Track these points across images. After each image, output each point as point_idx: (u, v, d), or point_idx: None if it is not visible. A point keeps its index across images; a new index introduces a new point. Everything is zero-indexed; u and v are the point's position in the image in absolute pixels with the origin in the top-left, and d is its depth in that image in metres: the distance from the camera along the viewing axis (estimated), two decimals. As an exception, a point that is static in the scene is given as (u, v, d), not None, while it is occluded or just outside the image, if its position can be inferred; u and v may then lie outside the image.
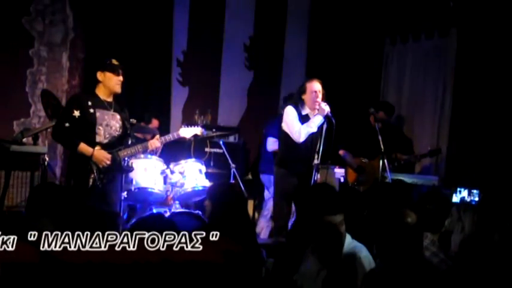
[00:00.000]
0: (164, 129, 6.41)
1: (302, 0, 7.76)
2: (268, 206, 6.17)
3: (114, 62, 4.54)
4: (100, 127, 4.48)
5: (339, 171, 6.37)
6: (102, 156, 4.43)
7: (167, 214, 5.17)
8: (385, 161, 5.57)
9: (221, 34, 7.40)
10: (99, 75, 4.51)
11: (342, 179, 6.32)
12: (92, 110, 4.46)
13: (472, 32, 6.48)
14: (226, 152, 5.88)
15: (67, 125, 4.41)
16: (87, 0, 6.49)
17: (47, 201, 3.00)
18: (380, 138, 5.65)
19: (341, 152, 6.04)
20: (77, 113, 4.42)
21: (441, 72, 6.86)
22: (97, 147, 4.44)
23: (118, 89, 4.54)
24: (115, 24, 6.61)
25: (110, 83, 4.51)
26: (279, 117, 6.25)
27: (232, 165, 5.82)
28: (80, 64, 6.50)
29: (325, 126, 5.14)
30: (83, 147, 4.40)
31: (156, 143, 4.78)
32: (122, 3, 6.63)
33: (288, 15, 7.70)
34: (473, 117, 6.40)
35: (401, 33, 7.34)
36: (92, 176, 4.40)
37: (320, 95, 5.18)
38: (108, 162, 4.44)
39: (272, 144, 6.15)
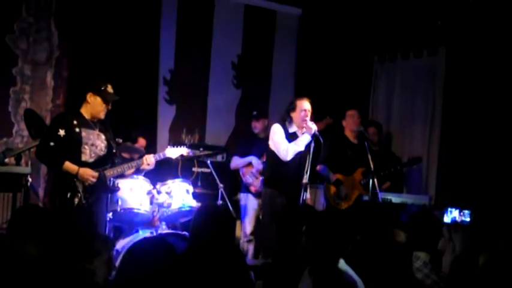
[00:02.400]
0: (151, 149, 6.39)
1: (290, 18, 7.83)
2: (244, 226, 6.15)
3: (109, 90, 4.54)
4: (86, 146, 4.49)
5: None
6: (88, 174, 4.42)
7: (153, 235, 5.14)
8: (375, 180, 5.58)
9: (209, 52, 7.41)
10: (90, 97, 4.52)
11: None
12: (77, 130, 4.47)
13: (460, 51, 6.57)
14: (213, 172, 5.88)
15: (52, 144, 4.40)
16: (72, 18, 6.47)
17: (31, 224, 2.97)
18: (370, 157, 5.68)
19: (318, 167, 6.05)
20: (62, 132, 4.42)
21: (430, 90, 6.93)
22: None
23: (102, 116, 4.60)
24: (101, 42, 6.59)
25: (97, 109, 4.54)
26: (250, 137, 6.30)
27: (220, 185, 5.83)
28: (65, 82, 6.47)
29: (312, 145, 5.16)
30: (68, 165, 4.40)
31: (151, 158, 4.79)
32: (108, 21, 6.61)
33: (276, 33, 7.75)
34: (463, 135, 6.45)
35: (390, 51, 7.43)
36: (77, 195, 4.38)
37: (309, 114, 5.22)
38: (94, 180, 4.43)
39: (234, 162, 6.24)
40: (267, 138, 6.01)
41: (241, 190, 6.21)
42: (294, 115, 5.25)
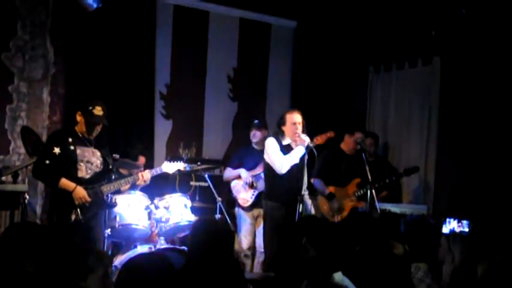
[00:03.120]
0: (148, 164, 6.38)
1: (285, 30, 7.87)
2: (240, 241, 6.14)
3: (96, 112, 4.54)
4: (81, 163, 4.53)
5: None
6: (81, 195, 4.45)
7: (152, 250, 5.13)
8: (373, 191, 5.59)
9: (204, 66, 7.42)
10: (78, 116, 4.57)
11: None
12: (72, 147, 4.50)
13: (455, 60, 6.60)
14: (211, 185, 5.90)
15: (47, 162, 4.44)
16: (68, 35, 6.49)
17: (24, 241, 2.96)
18: (367, 168, 5.69)
19: (312, 181, 6.06)
20: (57, 150, 4.46)
21: (426, 100, 6.95)
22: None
23: (92, 134, 4.63)
24: (96, 58, 6.60)
25: (83, 128, 4.62)
26: (244, 148, 6.28)
27: (218, 199, 5.85)
28: (61, 99, 6.47)
29: (306, 157, 5.18)
30: (64, 182, 4.44)
31: (147, 174, 4.80)
32: (104, 36, 6.63)
33: (271, 45, 7.78)
34: (461, 144, 6.47)
35: (385, 62, 7.47)
36: (75, 211, 4.39)
37: (300, 127, 5.24)
38: (86, 201, 4.44)
39: (226, 174, 6.23)
40: (262, 150, 6.03)
41: (235, 204, 6.16)
42: (285, 129, 5.29)
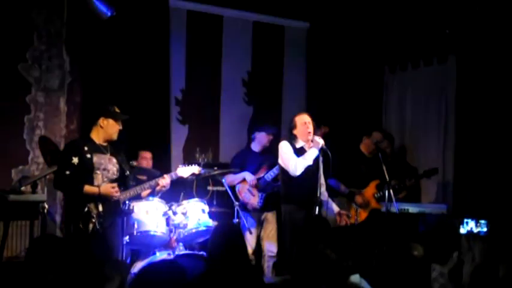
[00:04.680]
0: (165, 170, 6.40)
1: (299, 32, 7.84)
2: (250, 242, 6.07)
3: (117, 110, 4.62)
4: (98, 171, 4.56)
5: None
6: (109, 189, 4.49)
7: (171, 257, 5.15)
8: (391, 191, 5.56)
9: (219, 70, 7.44)
10: (102, 121, 4.61)
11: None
12: (88, 156, 4.53)
13: (470, 57, 6.53)
14: (228, 190, 5.88)
15: (68, 173, 4.47)
16: (83, 44, 6.54)
17: (48, 256, 3.00)
18: (384, 167, 5.67)
19: (330, 182, 6.04)
20: (75, 160, 4.49)
21: (442, 98, 6.89)
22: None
23: (116, 136, 4.70)
24: (111, 66, 6.64)
25: (111, 131, 4.63)
26: (244, 151, 6.30)
27: (236, 203, 5.83)
28: (78, 108, 6.53)
29: (321, 159, 5.19)
30: (88, 188, 4.47)
31: (166, 179, 4.82)
32: (118, 44, 6.67)
33: (285, 47, 7.76)
34: (479, 143, 6.40)
35: (400, 61, 7.42)
36: (92, 221, 4.41)
37: (311, 126, 5.27)
38: (117, 193, 4.46)
39: (229, 178, 6.07)
40: (263, 152, 5.98)
41: (240, 208, 6.06)
42: (296, 132, 5.34)
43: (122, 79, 6.71)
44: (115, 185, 4.53)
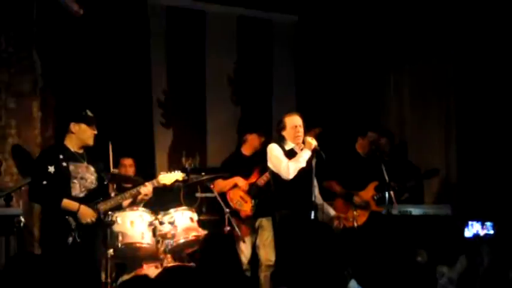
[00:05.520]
0: (150, 176, 6.38)
1: (287, 26, 7.85)
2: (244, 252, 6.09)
3: (90, 113, 4.62)
4: (75, 180, 4.56)
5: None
6: (88, 214, 4.50)
7: (159, 270, 5.15)
8: (391, 192, 5.59)
9: (203, 69, 7.45)
10: (73, 127, 4.59)
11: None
12: (64, 164, 4.53)
13: (470, 54, 6.57)
14: (218, 196, 5.89)
15: (44, 183, 4.45)
16: (55, 44, 6.49)
17: (25, 276, 2.99)
18: (383, 168, 5.70)
19: (325, 184, 6.10)
20: (51, 169, 4.49)
21: (443, 95, 6.92)
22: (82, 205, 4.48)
23: (91, 141, 4.67)
24: (87, 67, 6.62)
25: (84, 136, 4.61)
26: (234, 153, 6.34)
27: (226, 210, 5.84)
28: (52, 113, 6.48)
29: (314, 161, 5.21)
30: (67, 202, 4.48)
31: (148, 187, 4.82)
32: (94, 43, 6.65)
33: (273, 42, 7.78)
34: (482, 141, 6.44)
35: (396, 54, 7.43)
36: (71, 234, 4.41)
37: (301, 130, 5.30)
38: (93, 221, 4.46)
39: (218, 185, 6.08)
40: (254, 155, 6.03)
41: (231, 215, 5.97)
42: (285, 134, 5.35)
43: (99, 81, 6.69)
44: (95, 215, 4.52)
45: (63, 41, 6.52)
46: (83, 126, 4.62)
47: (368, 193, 6.11)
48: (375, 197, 6.04)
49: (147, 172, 6.49)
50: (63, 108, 6.43)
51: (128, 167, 6.41)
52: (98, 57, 6.71)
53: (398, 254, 2.91)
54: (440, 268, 3.23)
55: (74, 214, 4.47)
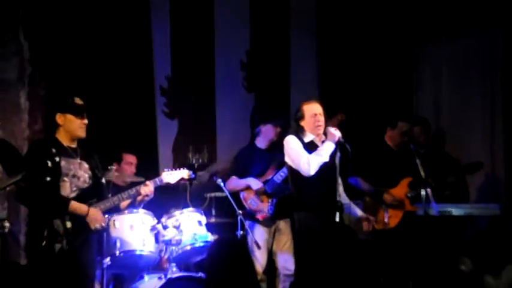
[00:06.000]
0: (152, 174, 6.33)
1: (307, 1, 7.77)
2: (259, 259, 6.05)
3: (77, 101, 4.60)
4: (66, 178, 4.52)
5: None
6: (98, 219, 4.48)
7: (162, 281, 5.12)
8: (428, 190, 5.50)
9: (212, 51, 7.44)
10: (59, 118, 4.58)
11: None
12: (57, 159, 4.47)
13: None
14: (229, 196, 5.86)
15: (48, 179, 4.40)
16: (45, 25, 6.51)
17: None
18: (418, 161, 5.61)
19: (351, 180, 6.06)
20: (50, 163, 4.44)
21: (488, 77, 6.83)
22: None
23: (82, 133, 4.61)
24: (81, 50, 6.64)
25: (72, 127, 4.58)
26: (248, 147, 6.36)
27: (239, 212, 5.82)
28: (42, 104, 6.49)
29: (338, 155, 5.15)
30: (75, 205, 4.43)
31: (149, 186, 4.78)
32: (88, 24, 6.67)
33: (291, 19, 7.72)
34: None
35: (432, 31, 7.33)
36: (59, 239, 4.36)
37: (322, 118, 5.29)
38: (103, 226, 4.46)
39: (231, 183, 6.09)
40: (270, 148, 6.11)
41: (245, 218, 5.94)
42: (304, 123, 5.33)
43: (94, 66, 6.71)
44: (105, 217, 4.53)
45: (53, 20, 6.58)
46: (69, 116, 4.57)
47: (401, 191, 6.04)
48: (409, 195, 5.95)
49: (148, 168, 6.50)
50: (54, 98, 6.41)
51: (133, 165, 6.41)
52: (92, 39, 6.75)
53: (437, 262, 2.81)
54: (488, 278, 3.14)
55: (63, 216, 4.40)
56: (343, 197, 5.32)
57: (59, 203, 4.43)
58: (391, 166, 6.16)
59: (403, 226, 5.94)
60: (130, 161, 6.45)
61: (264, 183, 6.09)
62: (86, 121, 4.60)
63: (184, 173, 5.17)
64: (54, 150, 4.51)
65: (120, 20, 6.84)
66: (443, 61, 7.32)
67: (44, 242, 4.34)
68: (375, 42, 7.57)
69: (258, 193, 6.10)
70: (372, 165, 6.15)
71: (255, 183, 6.09)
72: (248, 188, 6.12)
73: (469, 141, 6.99)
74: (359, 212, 5.48)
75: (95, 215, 4.47)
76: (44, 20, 6.50)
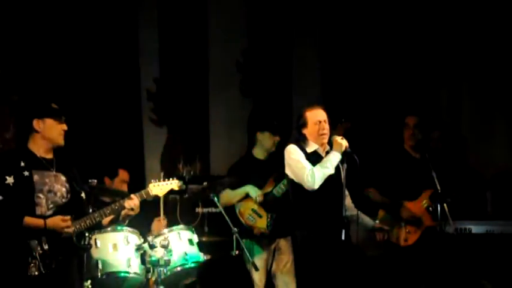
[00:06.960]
0: (138, 186, 6.36)
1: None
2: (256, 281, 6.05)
3: (55, 106, 4.58)
4: (40, 194, 4.50)
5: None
6: (59, 222, 4.40)
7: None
8: (444, 206, 5.53)
9: (205, 51, 7.48)
10: (36, 124, 4.56)
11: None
12: (26, 173, 4.47)
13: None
14: (223, 212, 5.84)
15: (0, 198, 4.39)
16: (19, 22, 6.51)
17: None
18: (434, 174, 5.64)
19: (368, 192, 6.10)
20: (10, 180, 4.43)
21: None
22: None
23: (61, 140, 4.60)
24: (59, 49, 6.66)
25: (52, 134, 4.57)
26: (244, 157, 6.38)
27: (234, 229, 5.81)
28: (15, 110, 6.50)
29: (345, 167, 5.16)
30: (30, 220, 4.38)
31: (134, 200, 4.77)
32: (66, 20, 6.68)
33: (293, 16, 7.72)
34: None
35: (450, 23, 7.37)
36: (34, 262, 4.36)
37: (326, 126, 5.29)
38: (69, 228, 4.41)
39: (225, 197, 6.12)
40: (269, 159, 6.15)
41: (241, 235, 5.91)
42: (306, 132, 5.35)
43: (73, 68, 6.71)
44: (67, 217, 4.46)
45: (27, 17, 6.54)
46: (49, 121, 4.57)
47: (421, 204, 6.03)
48: (430, 209, 5.95)
49: (134, 180, 6.47)
50: (27, 105, 6.42)
51: (125, 183, 6.36)
52: (71, 39, 6.75)
53: (456, 285, 2.82)
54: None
55: (39, 236, 4.40)
56: (350, 208, 5.34)
57: (11, 222, 4.38)
58: (411, 176, 6.16)
59: (421, 244, 5.92)
60: (125, 178, 6.39)
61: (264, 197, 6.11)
62: (65, 127, 4.61)
63: (174, 184, 5.06)
64: (23, 164, 4.51)
65: (104, 17, 6.87)
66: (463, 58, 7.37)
67: (17, 267, 4.35)
68: (381, 40, 7.58)
69: (256, 208, 6.11)
70: (389, 175, 6.16)
71: (254, 191, 6.09)
72: (246, 198, 6.13)
73: (492, 147, 7.07)
74: (370, 222, 5.50)
75: (55, 223, 4.39)
76: (17, 16, 6.50)
